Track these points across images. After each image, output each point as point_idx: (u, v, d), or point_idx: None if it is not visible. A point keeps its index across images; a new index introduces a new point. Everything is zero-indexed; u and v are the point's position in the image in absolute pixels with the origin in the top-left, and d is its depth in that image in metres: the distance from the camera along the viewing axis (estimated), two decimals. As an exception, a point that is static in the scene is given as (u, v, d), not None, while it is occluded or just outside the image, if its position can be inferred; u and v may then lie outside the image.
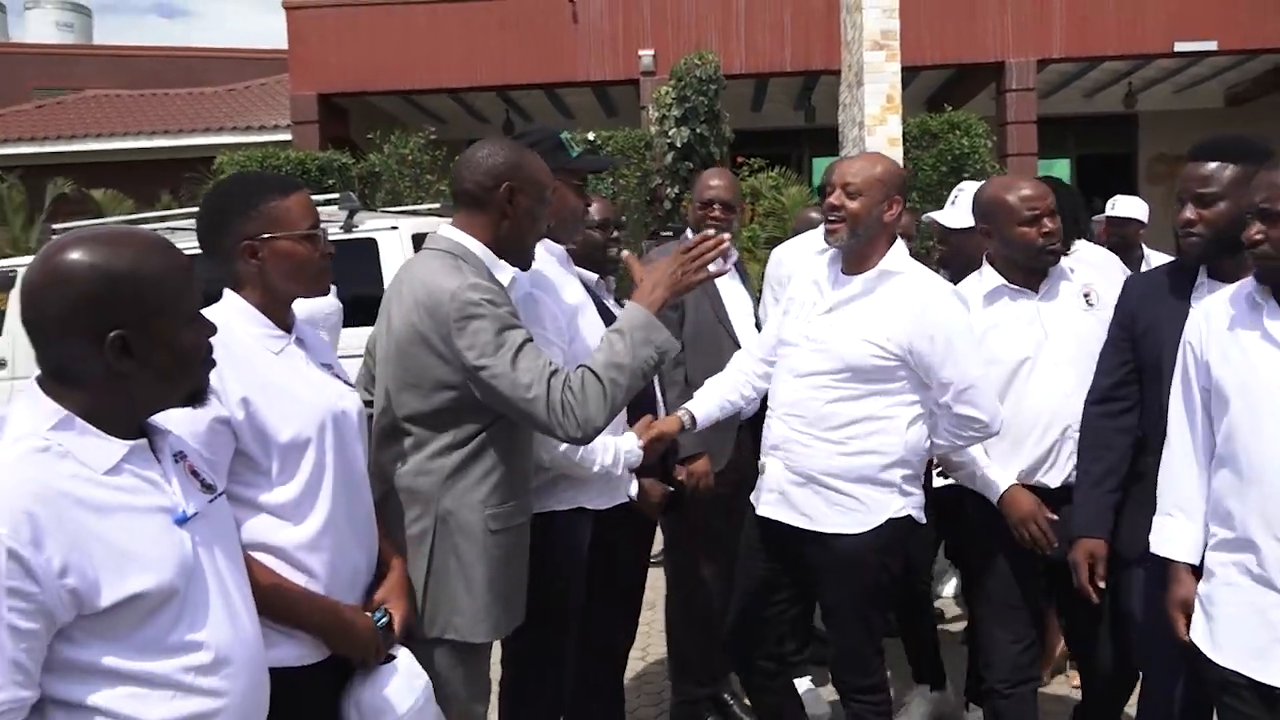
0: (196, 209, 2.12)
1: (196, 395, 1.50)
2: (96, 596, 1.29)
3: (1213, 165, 2.30)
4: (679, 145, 10.69)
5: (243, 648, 1.47)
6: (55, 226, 7.00)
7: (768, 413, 2.78)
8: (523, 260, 2.35)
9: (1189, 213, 2.32)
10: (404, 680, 1.91)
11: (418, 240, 6.53)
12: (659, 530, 3.42)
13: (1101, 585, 2.49)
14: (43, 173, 14.09)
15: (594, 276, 3.05)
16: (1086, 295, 2.81)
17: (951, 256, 3.39)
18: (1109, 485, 2.49)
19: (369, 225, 6.56)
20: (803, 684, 3.72)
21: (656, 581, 3.72)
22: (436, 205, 8.04)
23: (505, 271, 2.29)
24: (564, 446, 2.42)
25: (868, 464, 2.59)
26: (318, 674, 1.83)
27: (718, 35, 12.58)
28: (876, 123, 10.18)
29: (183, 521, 1.42)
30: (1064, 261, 2.86)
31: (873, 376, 2.58)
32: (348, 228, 6.38)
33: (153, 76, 20.30)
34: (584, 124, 12.60)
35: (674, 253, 2.29)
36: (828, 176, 3.86)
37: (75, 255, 1.36)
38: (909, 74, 11.36)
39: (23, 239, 13.23)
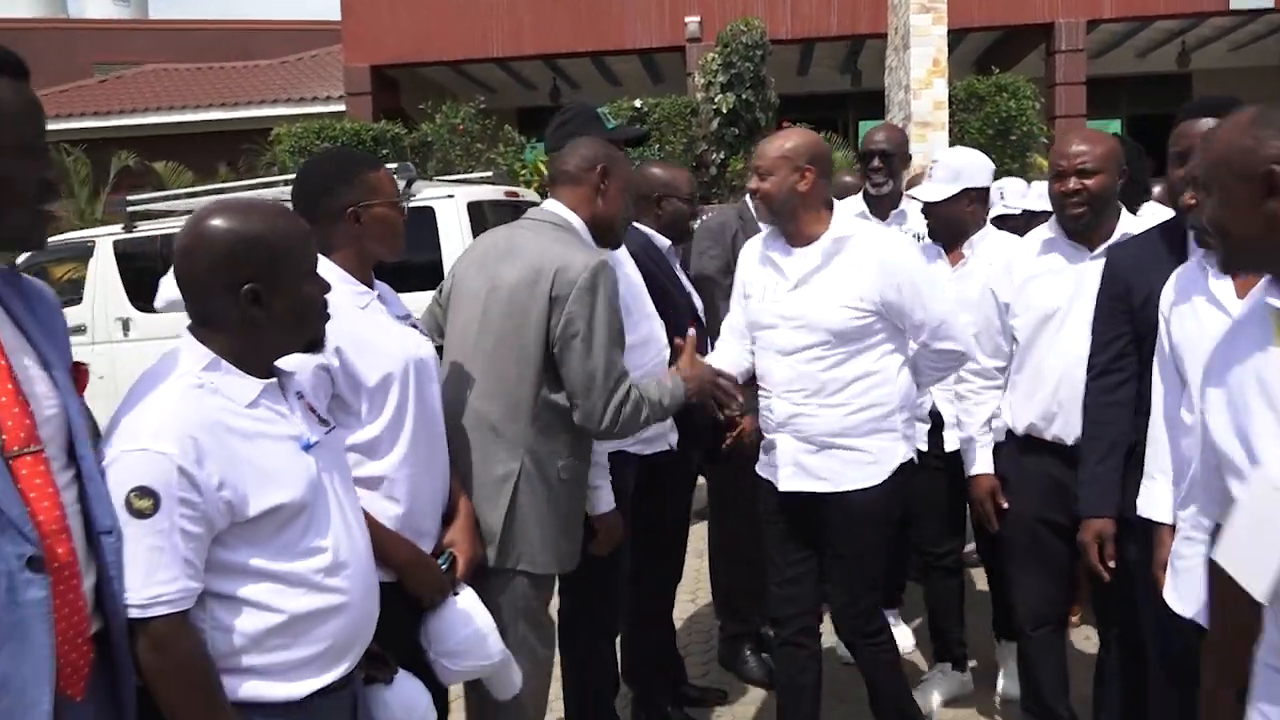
0: (257, 180, 2.40)
1: (315, 343, 1.76)
2: (246, 507, 1.56)
3: (1208, 123, 2.23)
4: (725, 111, 10.83)
5: (357, 556, 1.74)
6: (128, 199, 7.37)
7: (761, 395, 2.89)
8: (614, 239, 2.68)
9: (1184, 172, 2.26)
10: (464, 613, 2.18)
11: (473, 208, 6.79)
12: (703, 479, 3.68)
13: (1111, 564, 2.51)
14: (105, 146, 14.55)
15: (667, 243, 3.30)
16: None
17: (939, 229, 3.43)
18: (1112, 462, 2.50)
19: (426, 194, 6.83)
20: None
21: (705, 530, 3.98)
22: (489, 174, 8.28)
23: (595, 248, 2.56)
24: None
25: (873, 416, 2.74)
26: (402, 592, 2.10)
27: (763, 1, 12.64)
28: (922, 86, 10.22)
29: (308, 448, 1.69)
30: (1129, 222, 2.84)
31: (856, 336, 2.72)
32: (406, 196, 6.66)
33: (208, 50, 20.77)
34: (630, 91, 12.76)
35: (709, 376, 2.67)
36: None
37: (216, 221, 1.64)
38: (956, 36, 11.36)
39: (88, 210, 13.72)
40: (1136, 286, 2.43)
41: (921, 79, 10.16)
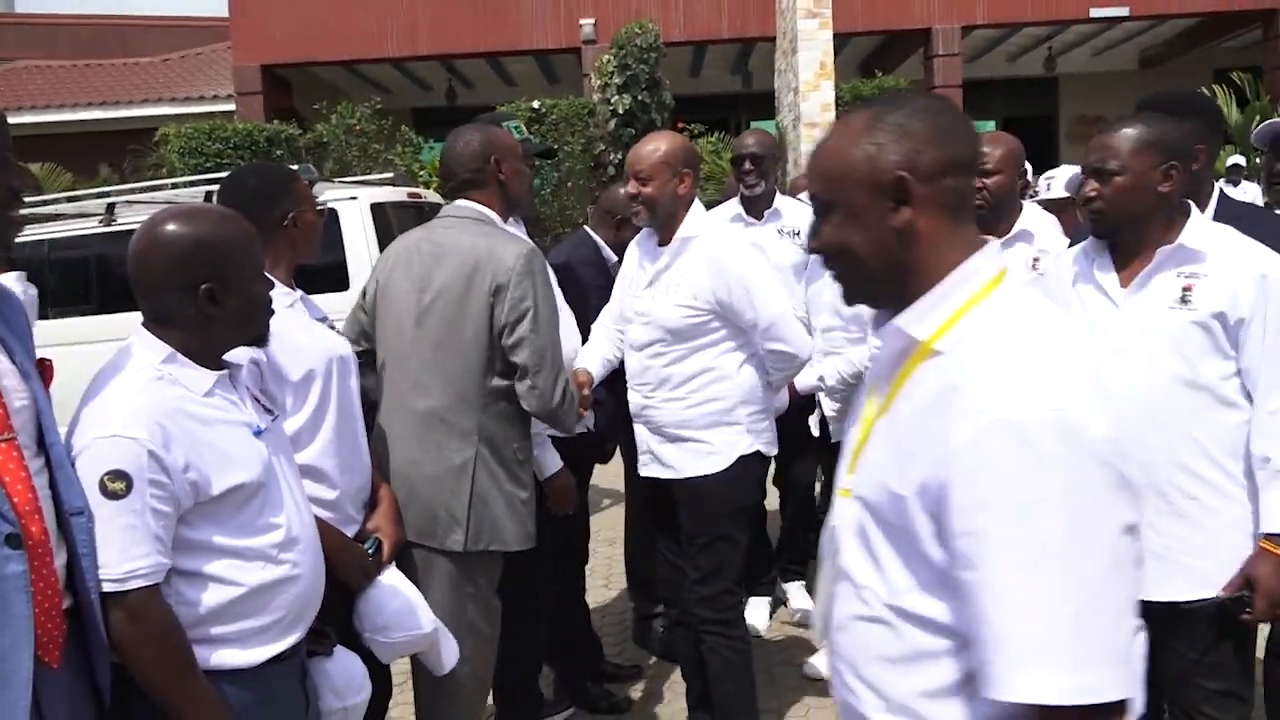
0: (143, 184, 2.50)
1: (261, 337, 1.89)
2: (209, 487, 1.69)
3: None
4: (621, 112, 11.00)
5: (306, 532, 1.87)
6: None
7: (628, 383, 3.03)
8: (529, 209, 2.89)
9: None
10: (390, 587, 2.31)
11: (376, 210, 6.83)
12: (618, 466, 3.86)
13: None
14: (-25, 147, 13.87)
15: (615, 258, 3.57)
16: (1035, 261, 2.98)
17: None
18: None
19: (328, 196, 6.83)
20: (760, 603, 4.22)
21: (618, 520, 4.18)
22: (389, 175, 8.30)
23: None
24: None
25: (712, 410, 2.86)
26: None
27: (656, 3, 12.91)
28: (810, 88, 10.64)
29: (258, 434, 1.82)
30: (1028, 219, 3.07)
31: (692, 334, 2.84)
32: None
33: (85, 47, 19.96)
34: (527, 92, 12.86)
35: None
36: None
37: (171, 226, 1.76)
38: (841, 40, 11.82)
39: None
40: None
41: (809, 81, 10.59)
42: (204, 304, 1.75)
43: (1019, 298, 1.20)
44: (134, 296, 1.78)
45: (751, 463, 2.91)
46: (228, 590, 1.73)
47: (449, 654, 2.43)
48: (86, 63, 17.81)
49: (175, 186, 8.18)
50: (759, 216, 4.15)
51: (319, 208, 2.36)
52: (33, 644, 1.45)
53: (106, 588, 1.59)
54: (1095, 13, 13.20)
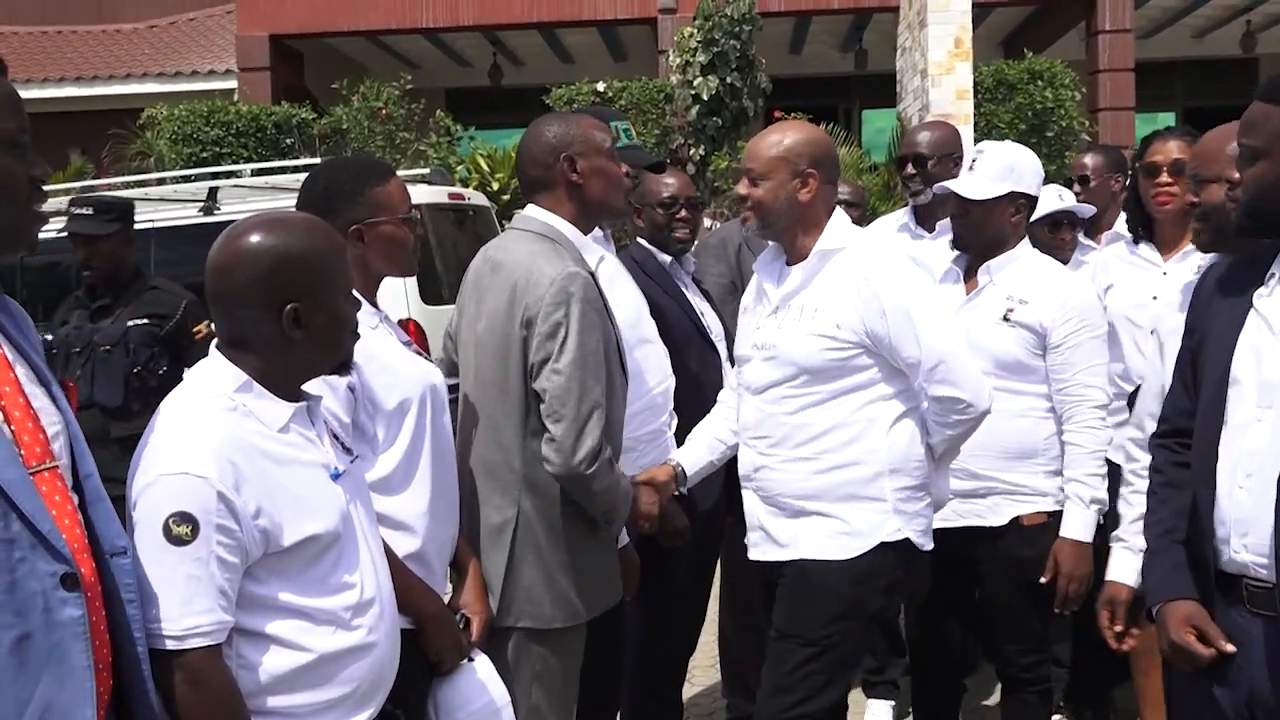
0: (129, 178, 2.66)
1: (345, 364, 2.06)
2: (281, 536, 1.84)
3: None
4: (705, 98, 11.16)
5: (383, 595, 2.02)
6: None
7: (740, 438, 2.99)
8: (615, 213, 2.94)
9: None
10: (480, 683, 2.43)
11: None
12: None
13: (1229, 647, 2.17)
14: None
15: (668, 259, 3.64)
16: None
17: (971, 235, 3.35)
18: (1179, 534, 2.35)
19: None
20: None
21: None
22: (425, 171, 8.57)
23: (593, 253, 2.85)
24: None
25: (850, 478, 2.74)
26: (416, 645, 2.38)
27: (750, -36, 13.11)
28: (942, 71, 10.75)
29: (336, 477, 1.98)
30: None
31: (834, 375, 2.74)
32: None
33: (56, 10, 20.74)
34: (588, 71, 13.12)
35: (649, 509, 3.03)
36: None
37: (256, 237, 1.92)
38: (980, 11, 11.90)
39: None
40: (1198, 324, 2.35)
41: (941, 62, 10.69)
42: (289, 326, 1.91)
43: None
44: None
45: (896, 553, 2.78)
46: (294, 656, 1.88)
47: None
48: (57, 29, 18.41)
49: (170, 181, 8.51)
50: (931, 228, 4.19)
51: (408, 217, 2.48)
52: (94, 699, 1.60)
53: (166, 644, 1.75)
54: (1307, -21, 13.12)
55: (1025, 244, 3.37)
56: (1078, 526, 3.14)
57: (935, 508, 2.98)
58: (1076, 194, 4.38)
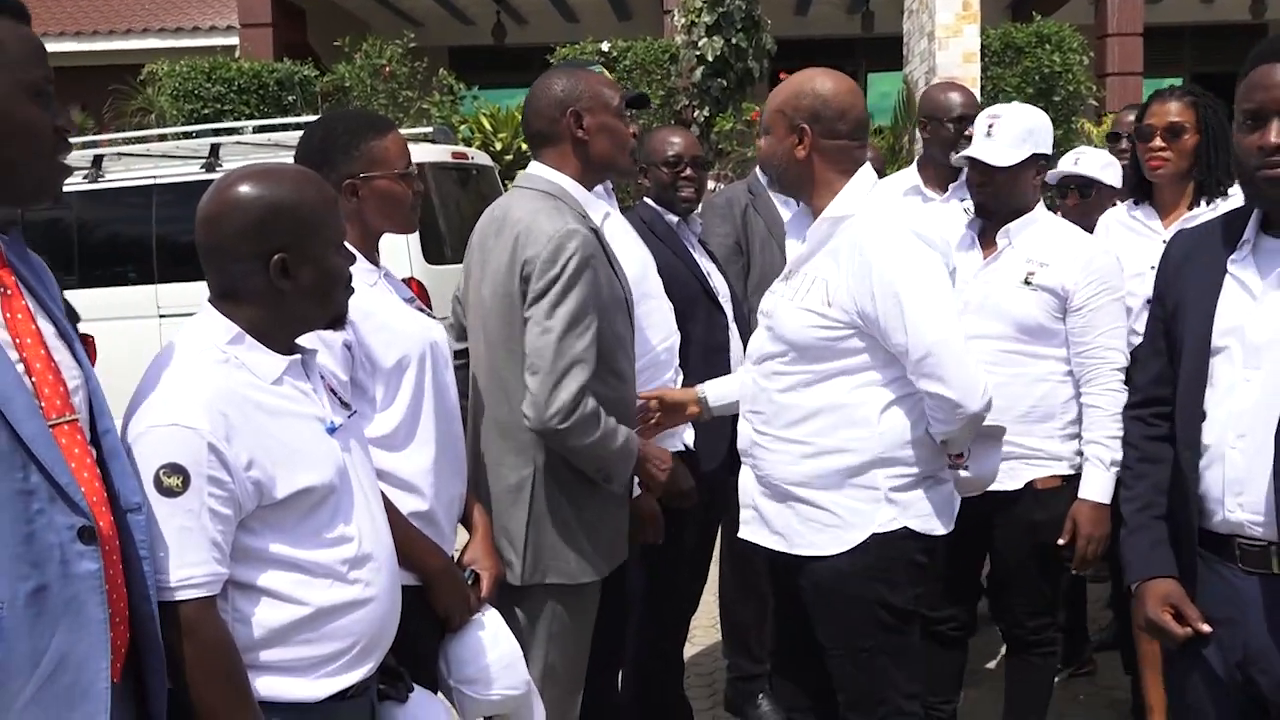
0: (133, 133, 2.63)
1: (339, 318, 2.03)
2: (274, 488, 1.82)
3: None
4: (710, 59, 11.09)
5: (382, 549, 2.00)
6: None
7: (741, 408, 2.86)
8: (623, 170, 2.92)
9: (1277, 134, 2.09)
10: (490, 637, 2.43)
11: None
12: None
13: (1206, 627, 2.22)
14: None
15: (675, 218, 3.61)
16: None
17: (996, 203, 3.29)
18: (1158, 509, 2.36)
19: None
20: None
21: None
22: (428, 129, 8.51)
23: (598, 209, 2.81)
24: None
25: (836, 465, 2.59)
26: (423, 601, 2.36)
27: (757, -77, 12.98)
28: (949, 34, 10.66)
29: (332, 431, 1.95)
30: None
31: (823, 354, 2.58)
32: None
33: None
34: (593, 30, 13.06)
35: (660, 466, 2.87)
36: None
37: (245, 188, 1.90)
38: (990, -26, 11.79)
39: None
40: (1170, 289, 2.37)
41: (949, 25, 10.60)
42: (276, 276, 1.89)
43: None
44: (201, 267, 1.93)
45: (895, 545, 2.60)
46: (290, 609, 1.87)
47: (536, 717, 2.54)
48: (58, -17, 18.39)
49: (171, 137, 8.47)
50: (943, 189, 4.13)
51: (406, 173, 2.45)
52: (109, 651, 1.59)
53: (157, 596, 1.72)
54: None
55: (1041, 206, 3.33)
56: (1097, 488, 3.11)
57: (981, 487, 2.87)
58: (1121, 151, 4.30)
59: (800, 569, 2.67)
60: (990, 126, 3.27)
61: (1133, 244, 3.49)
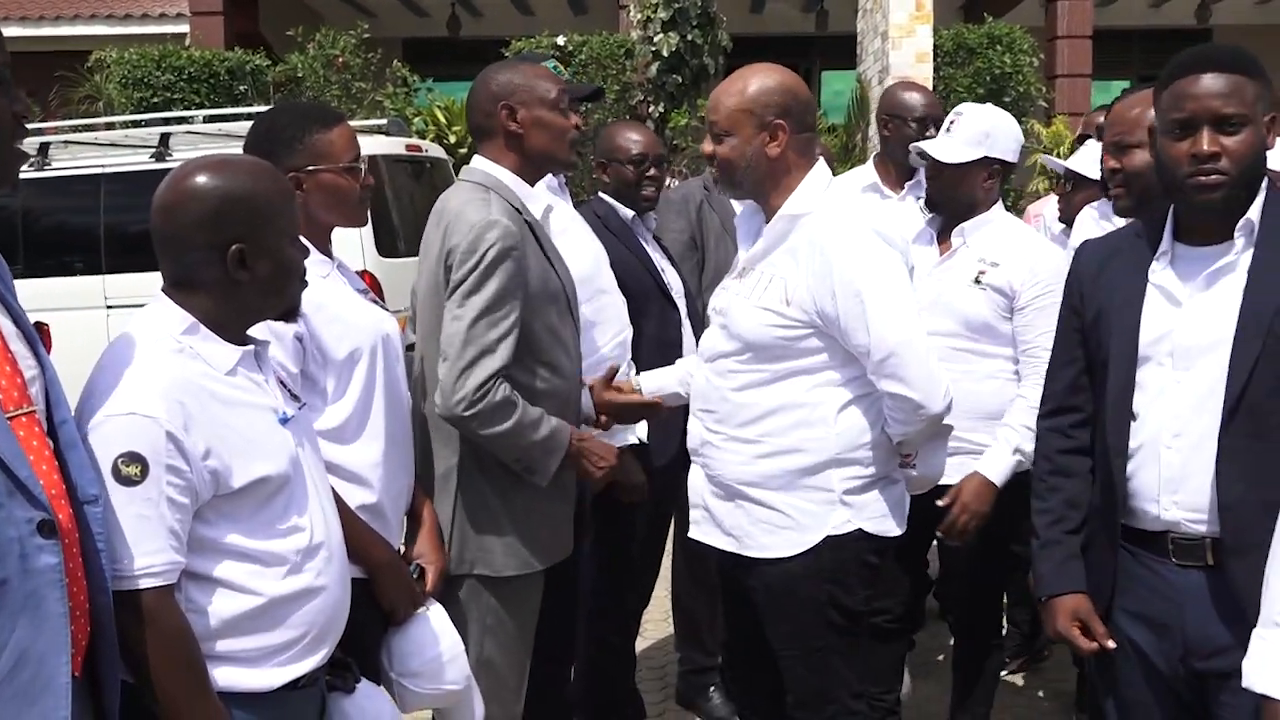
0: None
1: (291, 310, 2.04)
2: (230, 477, 1.83)
3: (1233, 79, 2.14)
4: (665, 54, 11.12)
5: (333, 540, 2.01)
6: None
7: (690, 407, 2.81)
8: (561, 163, 2.89)
9: (1209, 143, 2.13)
10: (433, 632, 2.45)
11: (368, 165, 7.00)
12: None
13: (1111, 644, 2.30)
14: None
15: (630, 214, 3.61)
16: None
17: (944, 199, 3.38)
18: (1070, 523, 2.40)
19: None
20: None
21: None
22: (382, 121, 8.46)
23: (537, 201, 2.82)
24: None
25: (790, 466, 2.56)
26: (369, 594, 2.36)
27: (713, -80, 13.01)
28: (903, 34, 10.77)
29: (284, 422, 1.96)
30: None
31: (781, 354, 2.55)
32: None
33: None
34: (548, 24, 13.01)
35: (599, 458, 2.74)
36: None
37: (201, 178, 1.90)
38: (943, -25, 11.90)
39: None
40: (1090, 298, 2.40)
41: (903, 25, 10.72)
42: (233, 267, 1.89)
43: None
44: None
45: (848, 547, 2.59)
46: (243, 599, 1.87)
47: (474, 714, 2.56)
48: (4, -33, 18.07)
49: (119, 126, 8.36)
50: (900, 186, 4.16)
51: (352, 167, 2.45)
52: (70, 645, 1.58)
53: (114, 585, 1.72)
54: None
55: (999, 208, 3.39)
56: (995, 468, 3.16)
57: (928, 485, 2.91)
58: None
59: (751, 570, 2.65)
60: (952, 123, 3.36)
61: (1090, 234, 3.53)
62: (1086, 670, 3.53)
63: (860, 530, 2.60)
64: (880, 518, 2.64)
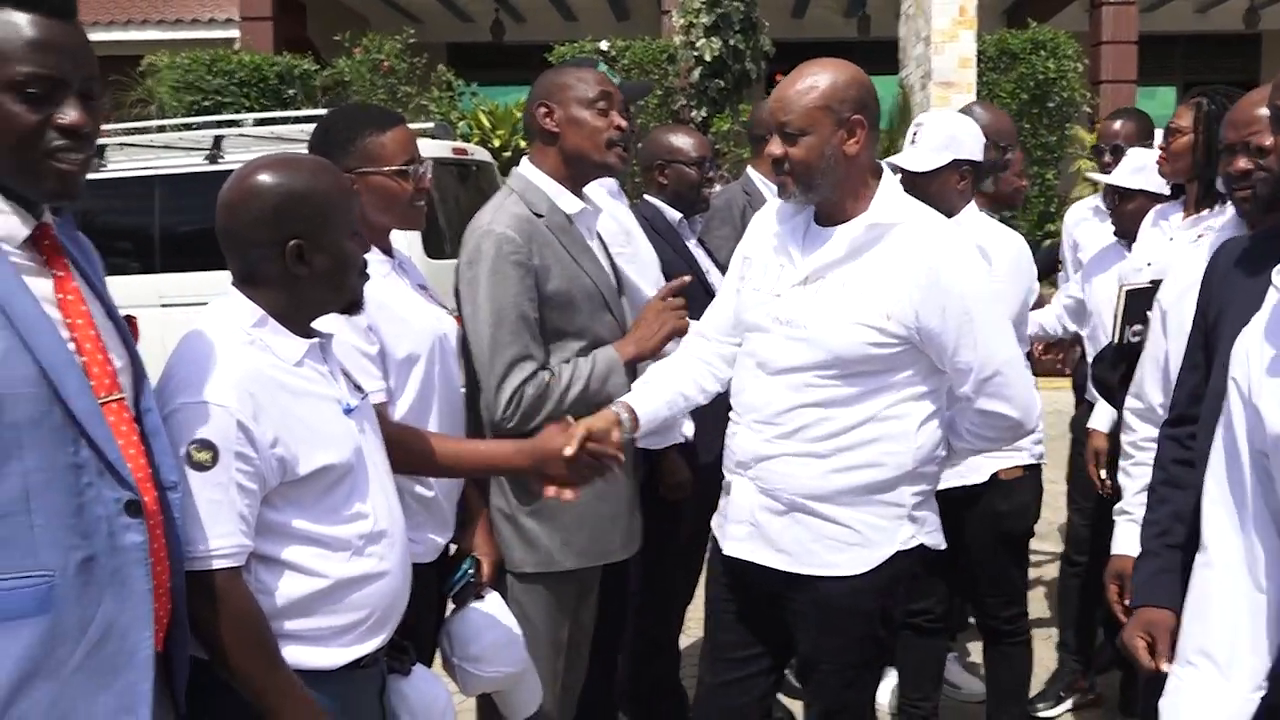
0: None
1: (354, 303, 2.11)
2: (297, 465, 1.91)
3: None
4: (708, 59, 11.19)
5: (395, 525, 2.09)
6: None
7: (731, 418, 2.65)
8: (598, 166, 2.79)
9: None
10: (491, 616, 2.54)
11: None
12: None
13: (1166, 667, 2.09)
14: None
15: (678, 216, 3.68)
16: None
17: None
18: (1174, 537, 2.27)
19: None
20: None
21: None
22: (429, 125, 8.57)
23: (570, 201, 2.80)
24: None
25: (871, 481, 2.47)
26: (423, 581, 2.45)
27: (756, -74, 13.06)
28: (946, 39, 10.74)
29: (348, 412, 2.04)
30: None
31: (871, 369, 2.44)
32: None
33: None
34: (591, 30, 13.15)
35: (651, 308, 2.79)
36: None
37: (263, 176, 1.99)
38: (986, -20, 11.88)
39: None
40: (1213, 302, 2.27)
41: (945, 30, 10.68)
42: (291, 262, 1.98)
43: None
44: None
45: (910, 561, 2.54)
46: (309, 581, 1.95)
47: (530, 698, 2.65)
48: (57, -26, 18.38)
49: (170, 129, 8.52)
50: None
51: (404, 170, 2.50)
52: (152, 621, 1.67)
53: (187, 566, 1.80)
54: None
55: (971, 208, 3.45)
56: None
57: None
58: (1106, 164, 4.30)
59: (805, 586, 2.53)
60: (914, 134, 3.42)
61: (1149, 237, 3.54)
62: (1138, 679, 3.54)
63: (921, 546, 2.56)
64: (934, 531, 2.62)
